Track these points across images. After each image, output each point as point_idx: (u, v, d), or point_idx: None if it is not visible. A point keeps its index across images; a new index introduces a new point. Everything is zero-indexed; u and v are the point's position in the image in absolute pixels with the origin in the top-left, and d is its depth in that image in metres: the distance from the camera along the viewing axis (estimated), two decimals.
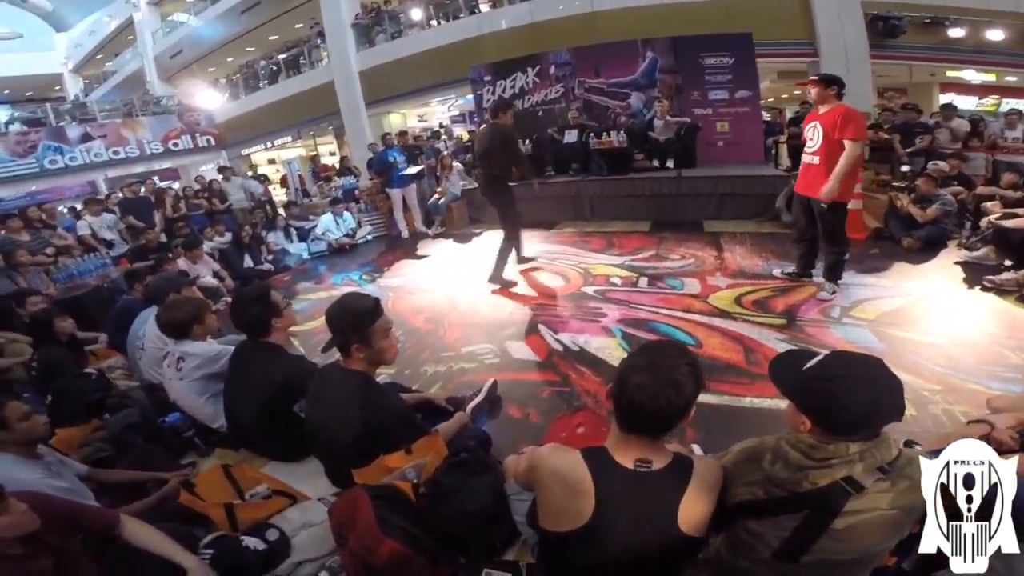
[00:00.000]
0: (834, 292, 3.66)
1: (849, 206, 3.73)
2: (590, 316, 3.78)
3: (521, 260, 5.00)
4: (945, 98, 10.08)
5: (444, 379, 3.12)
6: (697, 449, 2.03)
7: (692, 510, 1.15)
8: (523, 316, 3.93)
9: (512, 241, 4.70)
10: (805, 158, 3.61)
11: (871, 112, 7.79)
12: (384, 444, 1.74)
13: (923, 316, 3.34)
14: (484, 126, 5.05)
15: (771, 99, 12.54)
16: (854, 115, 3.32)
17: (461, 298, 4.48)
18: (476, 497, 1.61)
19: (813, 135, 3.49)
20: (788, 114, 8.59)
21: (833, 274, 3.69)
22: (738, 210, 6.04)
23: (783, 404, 2.39)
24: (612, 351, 3.22)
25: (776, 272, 4.19)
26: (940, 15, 8.26)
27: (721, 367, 2.92)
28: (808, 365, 1.16)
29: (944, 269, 4.08)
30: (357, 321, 1.80)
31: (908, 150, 6.34)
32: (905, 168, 6.25)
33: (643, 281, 4.37)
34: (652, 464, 1.16)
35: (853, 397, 1.07)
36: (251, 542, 1.62)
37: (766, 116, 8.29)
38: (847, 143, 3.28)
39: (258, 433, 2.25)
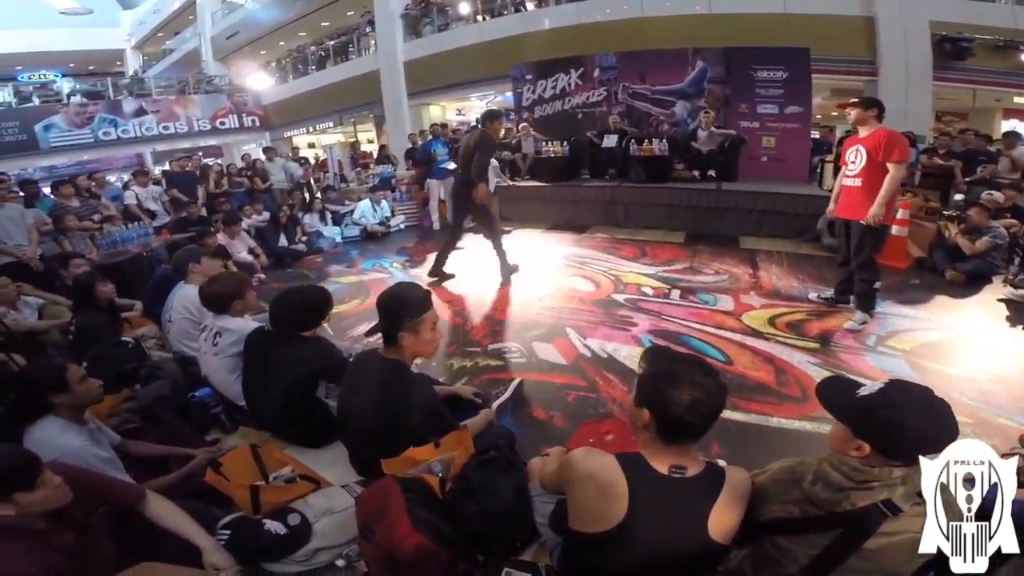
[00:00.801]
0: (864, 322, 3.51)
1: (893, 232, 3.62)
2: (620, 324, 3.72)
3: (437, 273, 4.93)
4: (1008, 124, 9.61)
5: (470, 374, 3.12)
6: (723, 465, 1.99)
7: (722, 518, 1.18)
8: (551, 318, 3.90)
9: (497, 243, 4.71)
10: (846, 181, 3.52)
11: (926, 136, 7.47)
12: (414, 435, 1.74)
13: (960, 351, 3.24)
14: (472, 131, 5.04)
15: (819, 116, 12.16)
16: (898, 138, 3.26)
17: (489, 294, 4.47)
18: (502, 495, 1.60)
19: (855, 158, 3.41)
20: (839, 133, 8.31)
21: (864, 303, 3.57)
22: (777, 228, 5.88)
23: (810, 426, 2.45)
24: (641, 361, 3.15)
25: (812, 296, 4.07)
26: (1015, 39, 7.86)
27: (751, 386, 2.88)
28: (866, 392, 1.17)
29: (986, 305, 3.90)
30: (412, 309, 1.81)
31: (967, 179, 6.05)
32: (958, 196, 5.97)
33: (675, 293, 4.29)
34: (686, 471, 1.20)
35: (920, 424, 1.09)
36: (273, 526, 1.61)
37: (815, 134, 8.04)
38: (891, 165, 3.21)
39: (282, 418, 2.27)
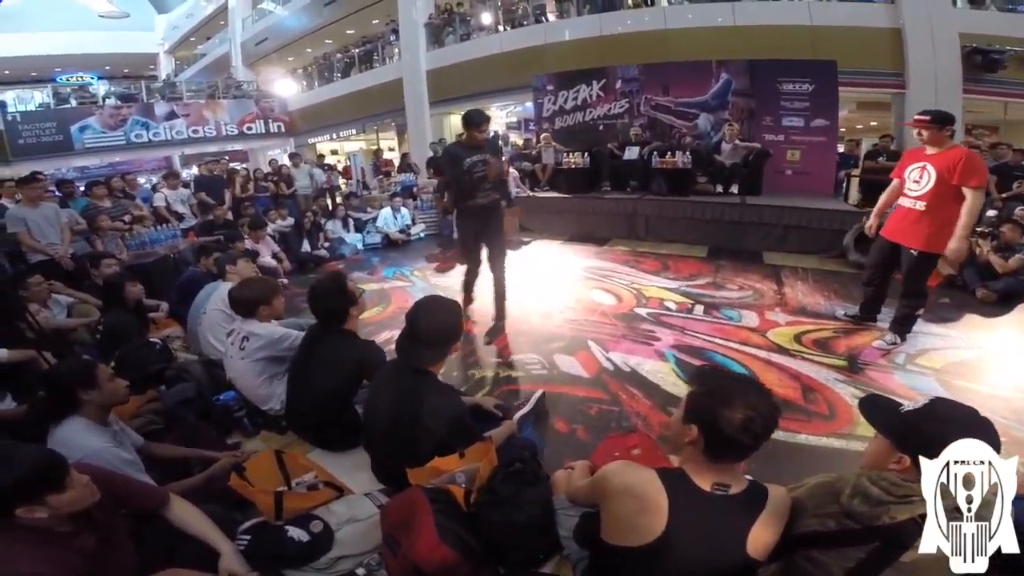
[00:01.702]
0: (894, 343, 3.39)
1: None
2: (642, 338, 3.68)
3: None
4: None
5: (490, 385, 3.11)
6: None
7: (761, 536, 1.18)
8: (572, 330, 3.88)
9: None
10: (905, 202, 3.23)
11: None
12: (439, 445, 1.74)
13: (991, 369, 3.16)
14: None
15: (844, 129, 11.98)
16: (978, 161, 2.97)
17: (510, 305, 4.44)
18: (528, 508, 1.60)
19: (922, 177, 3.10)
20: (865, 146, 8.17)
21: (902, 327, 3.41)
22: (802, 244, 5.79)
23: (837, 443, 2.45)
24: (665, 376, 3.13)
25: (839, 313, 3.98)
26: None
27: (777, 403, 2.80)
28: (911, 407, 1.20)
29: (1019, 325, 3.79)
30: (458, 334, 1.89)
31: (1003, 195, 5.90)
32: (991, 213, 5.81)
33: (699, 308, 4.24)
34: (730, 488, 1.20)
35: (964, 439, 1.09)
36: (296, 533, 1.62)
37: (840, 147, 7.92)
38: (969, 192, 2.89)
39: (317, 417, 2.29)
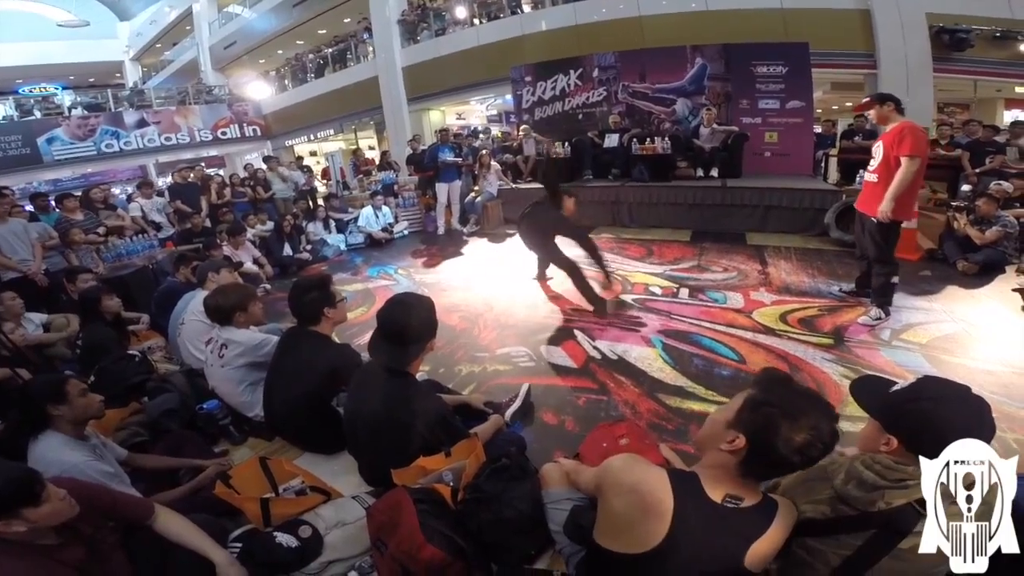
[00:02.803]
0: (879, 318, 3.45)
1: (903, 225, 3.55)
2: (629, 325, 3.69)
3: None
4: (1010, 115, 9.55)
5: (478, 380, 3.08)
6: None
7: (763, 550, 1.11)
8: (559, 320, 3.87)
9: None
10: (867, 176, 3.48)
11: (930, 128, 7.41)
12: (424, 445, 1.71)
13: (977, 342, 3.18)
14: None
15: (820, 110, 12.13)
16: (913, 131, 3.17)
17: (496, 298, 4.45)
18: (516, 504, 1.58)
19: (876, 153, 3.38)
20: (841, 126, 8.27)
21: (881, 297, 3.50)
22: (783, 224, 5.84)
23: None
24: (652, 362, 3.12)
25: (835, 290, 4.04)
26: (1013, 29, 7.80)
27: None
28: (899, 387, 1.18)
29: (1000, 295, 3.85)
30: (433, 327, 1.83)
31: (977, 170, 6.00)
32: (966, 187, 5.92)
33: (684, 292, 4.25)
34: (742, 502, 1.12)
35: (952, 419, 1.08)
36: (284, 539, 1.60)
37: (817, 128, 8.00)
38: (903, 160, 3.14)
39: (294, 422, 2.25)
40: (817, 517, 1.19)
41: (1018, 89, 9.36)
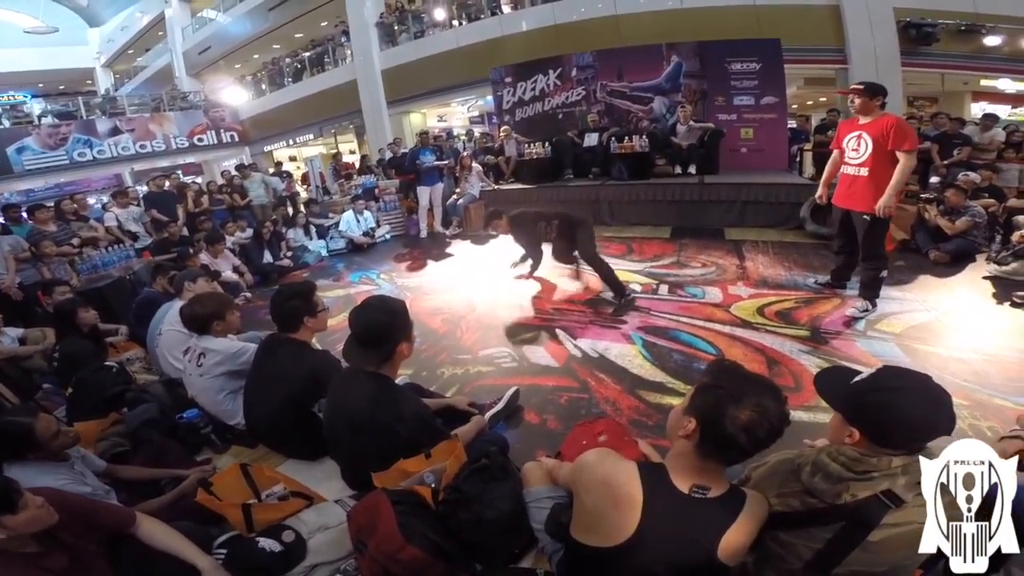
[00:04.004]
0: (866, 310, 3.49)
1: None
2: (609, 322, 3.73)
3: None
4: (977, 107, 9.81)
5: (461, 382, 3.10)
6: None
7: (735, 541, 1.12)
8: (541, 320, 3.90)
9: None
10: (849, 170, 3.42)
11: None
12: (404, 448, 1.73)
13: (950, 331, 3.26)
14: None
15: (795, 106, 12.34)
16: (907, 126, 3.18)
17: (478, 300, 4.46)
18: (496, 504, 1.59)
19: (859, 146, 3.31)
20: (815, 121, 8.43)
21: (869, 291, 3.53)
22: (760, 218, 5.94)
23: (805, 415, 2.47)
24: (632, 359, 3.17)
25: (811, 282, 4.11)
26: (977, 23, 8.03)
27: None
28: (859, 378, 1.17)
29: (972, 283, 3.97)
30: (405, 322, 1.83)
31: (946, 162, 6.17)
32: (935, 179, 6.09)
33: (663, 288, 4.31)
34: (709, 491, 1.14)
35: (909, 408, 1.08)
36: (267, 543, 1.61)
37: (791, 123, 8.15)
38: (902, 155, 3.11)
39: (276, 429, 2.25)
40: (787, 510, 1.19)
41: (984, 82, 9.62)
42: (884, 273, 3.52)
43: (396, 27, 12.03)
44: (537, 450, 2.29)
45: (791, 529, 1.18)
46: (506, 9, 10.96)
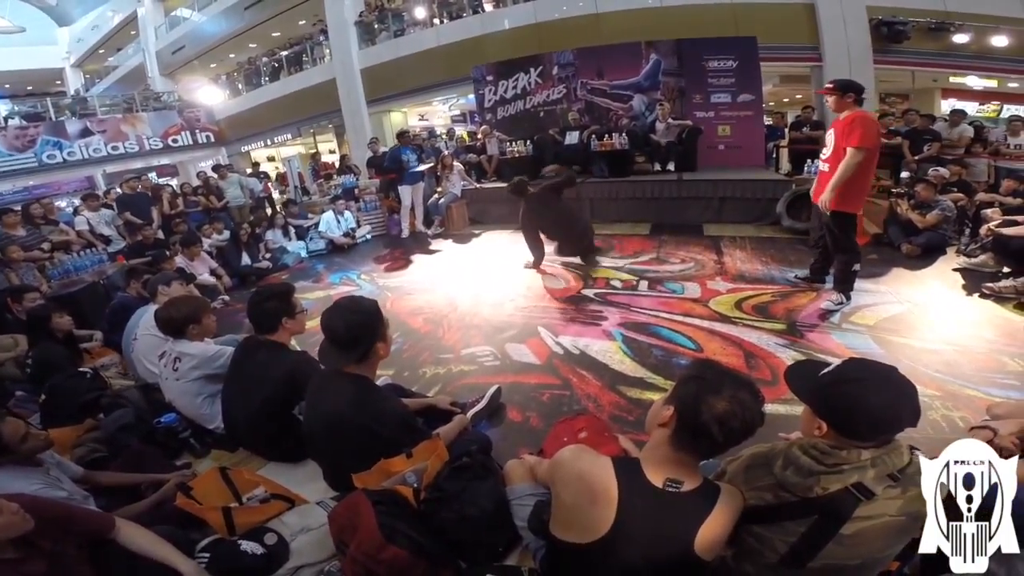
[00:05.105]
0: (841, 303, 3.55)
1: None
2: (590, 319, 3.76)
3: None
4: (947, 103, 10.06)
5: (443, 381, 3.09)
6: None
7: (710, 534, 1.13)
8: (523, 318, 3.91)
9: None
10: (821, 166, 3.52)
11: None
12: (385, 448, 1.72)
13: (922, 323, 3.34)
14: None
15: (771, 103, 12.53)
16: (863, 121, 3.19)
17: (460, 299, 4.46)
18: (478, 502, 1.60)
19: (828, 142, 3.41)
20: (790, 118, 8.58)
21: (842, 284, 3.60)
22: (738, 214, 6.04)
23: (782, 408, 2.48)
24: (613, 355, 3.20)
25: (790, 276, 4.17)
26: (946, 20, 8.24)
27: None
28: (826, 371, 1.19)
29: (943, 276, 4.08)
30: (380, 319, 1.81)
31: (916, 157, 6.33)
32: (906, 174, 6.25)
33: (643, 284, 4.35)
34: (682, 485, 1.15)
35: (873, 400, 1.09)
36: (249, 546, 1.60)
37: (768, 120, 8.28)
38: (849, 150, 3.16)
39: (256, 432, 2.23)
40: (760, 504, 1.20)
41: (952, 79, 9.88)
42: (857, 266, 3.58)
43: (376, 25, 11.91)
44: (520, 448, 2.31)
45: (766, 523, 1.19)
46: (487, 7, 10.92)
